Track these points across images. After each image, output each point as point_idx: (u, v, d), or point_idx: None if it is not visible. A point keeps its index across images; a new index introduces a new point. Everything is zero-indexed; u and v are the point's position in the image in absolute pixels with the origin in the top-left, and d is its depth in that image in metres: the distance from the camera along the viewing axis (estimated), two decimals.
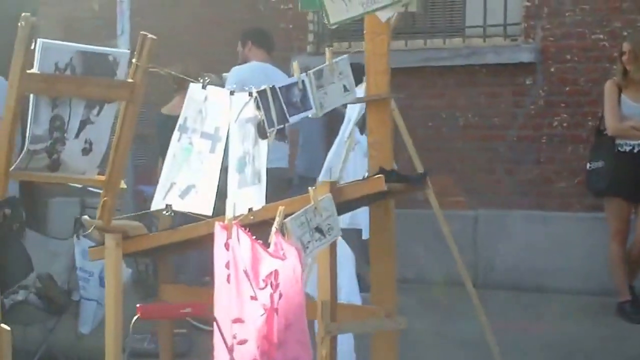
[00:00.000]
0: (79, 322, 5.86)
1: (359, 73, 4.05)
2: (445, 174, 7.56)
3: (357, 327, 4.09)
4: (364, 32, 4.14)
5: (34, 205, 8.21)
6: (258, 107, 3.36)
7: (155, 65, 2.92)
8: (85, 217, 3.82)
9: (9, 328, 2.71)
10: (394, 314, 4.09)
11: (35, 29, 2.55)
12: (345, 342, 4.58)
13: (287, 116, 3.47)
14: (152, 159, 7.38)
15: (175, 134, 3.10)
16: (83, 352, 5.69)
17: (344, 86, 3.78)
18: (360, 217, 5.61)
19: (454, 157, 8.01)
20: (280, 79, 4.75)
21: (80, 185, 3.38)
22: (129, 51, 2.85)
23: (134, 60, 2.83)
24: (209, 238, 3.23)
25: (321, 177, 5.36)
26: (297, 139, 7.29)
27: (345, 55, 3.80)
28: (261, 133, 3.39)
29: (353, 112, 5.40)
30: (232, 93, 3.24)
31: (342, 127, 5.58)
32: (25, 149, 2.69)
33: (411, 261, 7.12)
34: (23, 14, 2.54)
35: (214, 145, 3.21)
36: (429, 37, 8.28)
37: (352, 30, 6.43)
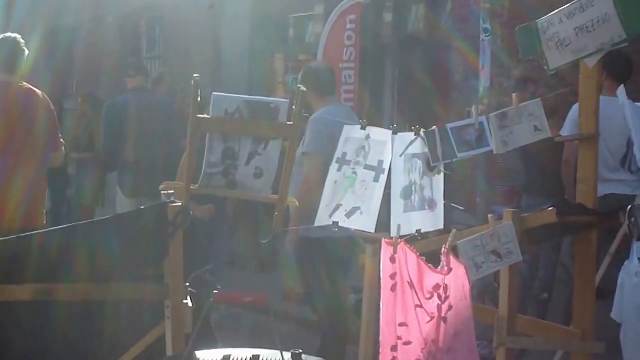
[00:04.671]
0: None
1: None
2: None
3: (533, 342, 4.46)
4: (579, 75, 4.48)
5: None
6: (425, 144, 4.02)
7: None
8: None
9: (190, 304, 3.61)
10: (590, 338, 4.40)
11: (198, 84, 3.50)
12: None
13: (456, 152, 4.06)
14: None
15: (334, 165, 3.88)
16: None
17: (535, 126, 4.22)
18: None
19: None
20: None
21: None
22: (287, 100, 3.69)
23: (293, 107, 3.67)
24: None
25: None
26: None
27: (538, 99, 4.23)
28: (429, 166, 4.05)
29: None
30: (394, 132, 3.93)
31: None
32: (202, 171, 3.67)
33: None
34: (194, 75, 3.51)
35: (377, 175, 3.94)
36: None
37: None
